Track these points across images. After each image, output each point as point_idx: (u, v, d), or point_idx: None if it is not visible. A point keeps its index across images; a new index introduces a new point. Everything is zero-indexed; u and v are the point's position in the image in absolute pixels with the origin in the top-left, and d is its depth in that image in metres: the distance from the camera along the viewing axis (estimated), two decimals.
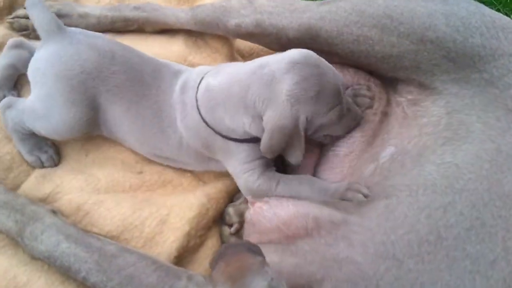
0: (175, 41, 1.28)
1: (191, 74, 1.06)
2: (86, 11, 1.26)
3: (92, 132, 1.05)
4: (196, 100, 1.00)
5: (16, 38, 1.11)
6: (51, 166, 1.06)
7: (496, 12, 1.05)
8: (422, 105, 1.03)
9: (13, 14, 1.24)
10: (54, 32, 1.00)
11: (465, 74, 0.98)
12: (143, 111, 1.02)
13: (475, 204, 0.84)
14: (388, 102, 1.09)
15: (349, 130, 1.05)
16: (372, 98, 1.09)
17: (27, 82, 1.04)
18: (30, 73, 1.01)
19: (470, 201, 0.84)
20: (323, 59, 0.97)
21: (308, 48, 1.10)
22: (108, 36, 1.26)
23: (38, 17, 1.02)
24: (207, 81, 1.01)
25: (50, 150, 1.06)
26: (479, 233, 0.82)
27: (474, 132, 0.93)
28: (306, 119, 0.93)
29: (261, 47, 1.32)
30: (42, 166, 1.05)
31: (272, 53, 1.28)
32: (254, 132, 0.96)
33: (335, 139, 1.07)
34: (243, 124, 0.96)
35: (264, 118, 0.93)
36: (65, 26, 1.03)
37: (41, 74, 0.99)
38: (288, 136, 0.93)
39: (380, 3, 1.05)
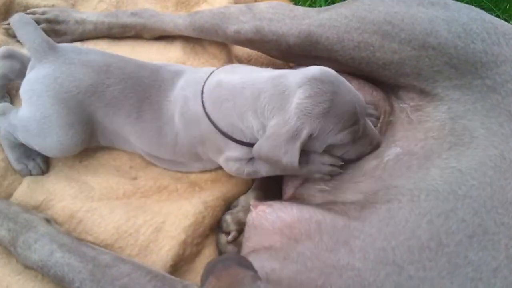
0: (173, 47, 1.27)
1: (196, 72, 1.05)
2: (83, 17, 1.26)
3: (88, 146, 1.04)
4: (202, 93, 0.99)
5: (7, 48, 1.09)
6: (38, 174, 1.04)
7: (497, 19, 1.04)
8: (425, 110, 1.01)
9: (9, 20, 1.22)
10: (46, 52, 0.99)
11: (467, 81, 0.97)
12: (143, 115, 1.01)
13: (478, 211, 0.82)
14: (392, 110, 1.08)
15: (362, 155, 1.01)
16: (378, 118, 1.08)
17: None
18: (24, 93, 0.99)
19: (473, 208, 0.82)
20: (343, 79, 0.95)
21: (308, 55, 1.11)
22: (103, 43, 1.26)
23: (28, 38, 1.00)
24: (219, 77, 1.00)
25: (37, 158, 1.05)
26: (481, 240, 0.80)
27: (477, 138, 0.91)
28: (311, 135, 0.91)
29: (259, 53, 1.31)
30: (29, 174, 1.04)
31: (272, 60, 1.30)
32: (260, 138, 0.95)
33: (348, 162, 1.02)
34: (252, 128, 0.95)
35: (268, 125, 0.92)
36: (56, 44, 1.01)
37: (37, 96, 0.97)
38: (280, 148, 0.90)
39: (381, 10, 1.05)
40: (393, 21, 1.02)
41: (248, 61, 1.37)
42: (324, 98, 0.90)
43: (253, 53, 1.35)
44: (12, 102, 1.11)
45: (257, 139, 0.95)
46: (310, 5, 1.59)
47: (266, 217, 0.94)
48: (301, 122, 0.90)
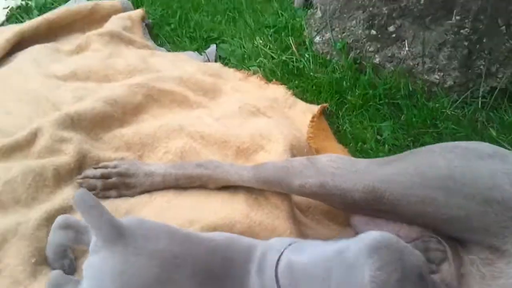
0: (236, 198, 1.30)
1: (267, 251, 1.02)
2: (152, 170, 1.31)
3: None
4: (277, 281, 0.96)
5: (65, 217, 1.10)
6: None
7: None
8: (497, 266, 0.98)
9: (83, 174, 1.29)
10: (113, 240, 0.94)
11: None
12: None
13: None
14: (462, 262, 1.05)
15: None
16: (444, 251, 1.06)
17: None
18: (87, 275, 0.95)
19: None
20: (401, 241, 0.94)
21: (373, 209, 1.12)
22: (170, 194, 1.29)
23: (94, 224, 0.95)
24: (289, 258, 0.98)
25: None
26: None
27: None
28: None
29: (318, 201, 1.33)
30: None
31: (331, 208, 1.32)
32: None
33: None
34: None
35: None
36: (124, 228, 0.96)
37: (101, 287, 0.94)
38: None
39: (441, 164, 1.06)
40: (455, 176, 1.03)
41: (308, 208, 1.39)
42: (395, 266, 0.89)
43: (312, 201, 1.38)
44: (76, 259, 1.13)
45: None
46: (360, 148, 1.64)
47: None
48: None
